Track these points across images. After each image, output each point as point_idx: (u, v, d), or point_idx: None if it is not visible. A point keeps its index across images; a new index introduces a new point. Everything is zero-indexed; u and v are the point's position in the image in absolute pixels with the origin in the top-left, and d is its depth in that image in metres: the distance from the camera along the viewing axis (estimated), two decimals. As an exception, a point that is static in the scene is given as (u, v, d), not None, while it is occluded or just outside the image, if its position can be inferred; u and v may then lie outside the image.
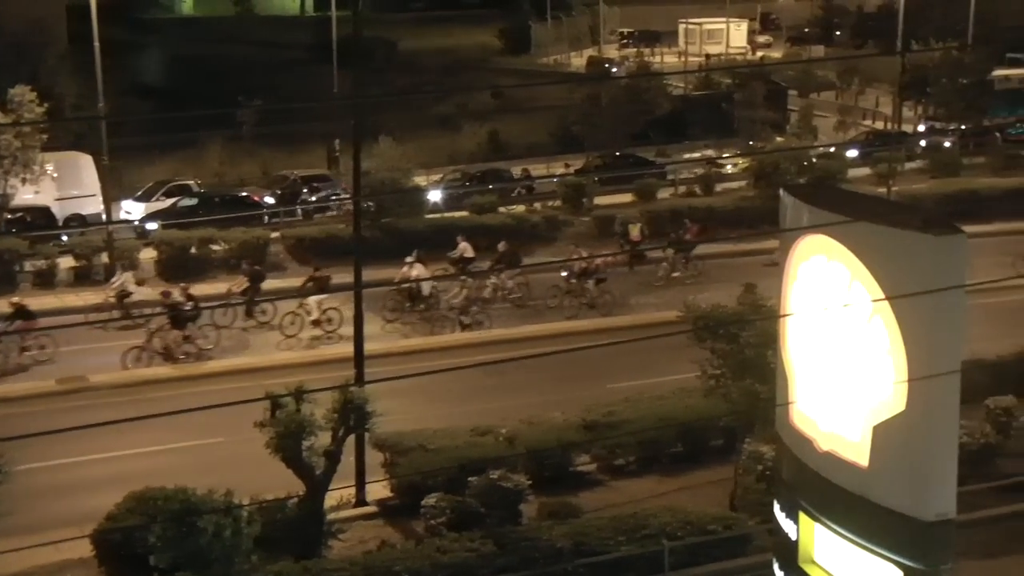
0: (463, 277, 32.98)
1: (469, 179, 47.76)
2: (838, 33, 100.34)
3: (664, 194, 47.14)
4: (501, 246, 34.70)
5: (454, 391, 25.51)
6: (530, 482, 20.33)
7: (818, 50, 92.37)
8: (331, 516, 18.96)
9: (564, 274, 33.98)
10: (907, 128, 60.78)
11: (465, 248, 34.53)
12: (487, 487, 19.74)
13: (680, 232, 38.30)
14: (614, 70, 71.03)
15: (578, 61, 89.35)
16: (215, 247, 37.26)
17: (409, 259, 32.51)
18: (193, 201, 42.65)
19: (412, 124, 53.68)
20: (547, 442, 21.95)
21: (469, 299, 32.83)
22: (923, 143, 55.81)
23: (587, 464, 22.95)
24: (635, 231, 38.45)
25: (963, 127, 56.62)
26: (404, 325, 32.26)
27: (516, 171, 50.35)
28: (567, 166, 50.17)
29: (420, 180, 46.05)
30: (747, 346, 20.56)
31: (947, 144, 54.83)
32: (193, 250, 36.82)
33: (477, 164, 51.35)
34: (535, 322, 32.70)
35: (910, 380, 12.10)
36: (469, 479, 20.05)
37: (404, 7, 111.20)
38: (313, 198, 44.83)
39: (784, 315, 14.38)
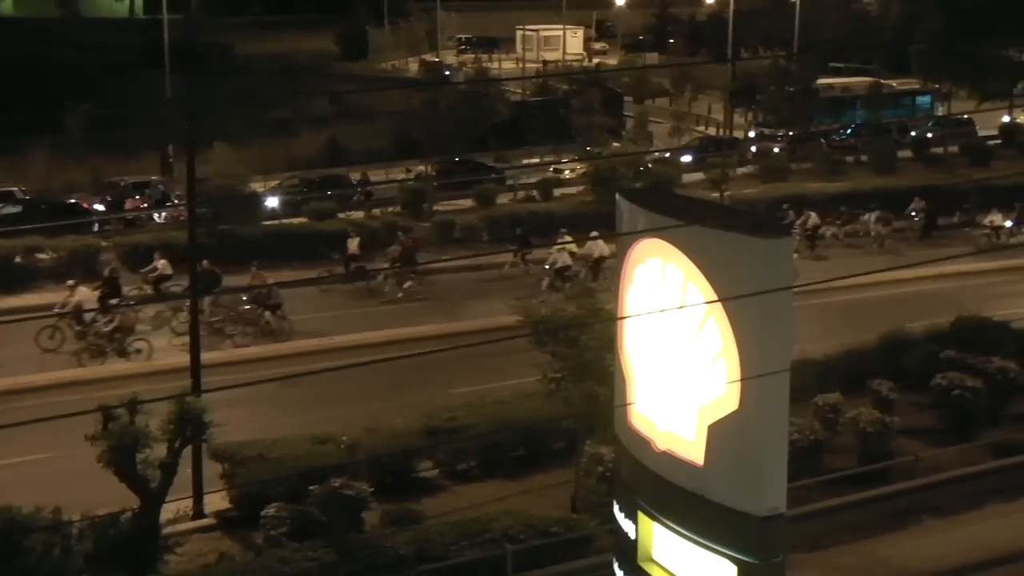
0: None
1: (308, 185, 47.25)
2: (671, 41, 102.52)
3: (504, 199, 47.44)
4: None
5: (295, 399, 25.17)
6: (372, 489, 20.18)
7: (652, 57, 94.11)
8: (167, 530, 18.44)
9: (244, 298, 31.91)
10: (738, 134, 62.38)
11: (164, 266, 32.85)
12: (328, 495, 19.53)
13: (393, 247, 36.47)
14: (447, 73, 71.21)
15: (417, 67, 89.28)
16: (42, 256, 36.02)
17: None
18: (17, 208, 41.19)
19: (248, 129, 52.77)
20: (389, 448, 21.82)
21: (121, 327, 29.76)
22: (753, 148, 57.34)
23: (429, 470, 22.90)
24: (354, 245, 36.66)
25: (791, 133, 58.38)
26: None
27: (356, 177, 50.02)
28: (408, 171, 50.08)
29: (257, 186, 45.37)
30: (586, 349, 20.80)
31: (776, 150, 56.47)
32: (18, 259, 35.53)
33: (316, 170, 50.81)
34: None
35: (743, 379, 12.39)
36: (310, 488, 19.82)
37: (238, 11, 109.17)
38: (141, 205, 43.73)
39: (621, 318, 14.58)
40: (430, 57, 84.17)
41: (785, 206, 42.38)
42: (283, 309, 31.85)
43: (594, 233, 35.36)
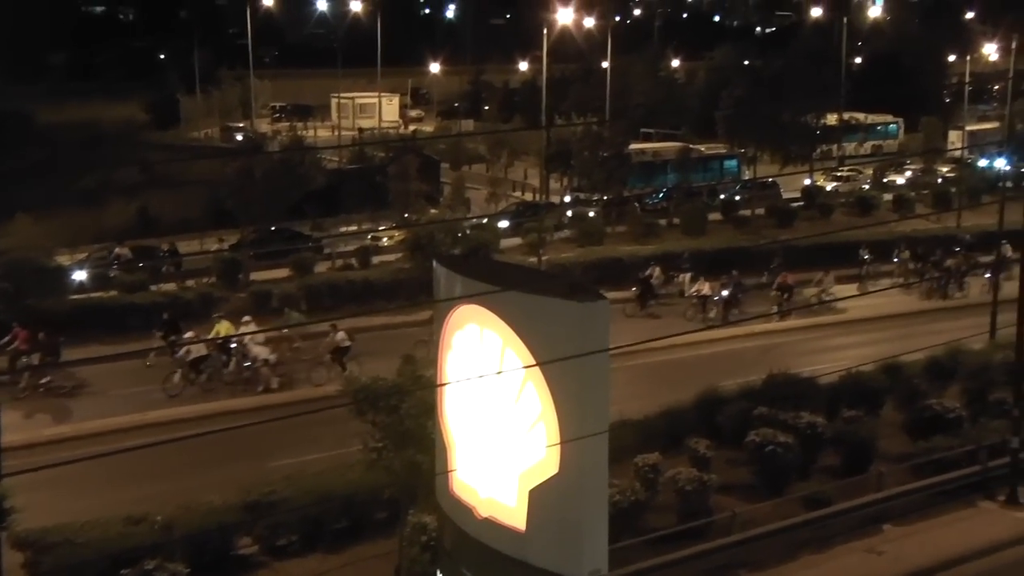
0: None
1: (117, 257, 45.85)
2: (486, 108, 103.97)
3: (321, 268, 46.97)
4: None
5: (105, 479, 24.18)
6: (188, 570, 19.49)
7: (468, 124, 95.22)
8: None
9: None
10: (554, 199, 63.31)
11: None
12: (142, 579, 18.76)
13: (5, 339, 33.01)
14: (238, 137, 70.63)
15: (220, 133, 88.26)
16: None
17: None
18: None
19: (52, 200, 51.07)
20: (205, 526, 21.12)
21: None
22: (569, 213, 58.25)
23: (249, 547, 22.24)
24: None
25: (605, 197, 59.56)
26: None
27: (166, 247, 48.89)
28: (221, 241, 49.13)
29: (63, 259, 43.83)
30: (407, 417, 20.56)
31: (591, 214, 57.49)
32: None
33: (126, 241, 49.43)
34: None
35: (562, 443, 12.43)
36: (122, 572, 19.00)
37: (36, 78, 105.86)
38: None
39: (441, 384, 14.51)
40: (234, 124, 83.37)
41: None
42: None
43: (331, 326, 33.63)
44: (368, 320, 37.30)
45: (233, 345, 33.08)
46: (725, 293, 41.16)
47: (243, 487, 22.65)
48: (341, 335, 33.25)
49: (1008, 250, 46.61)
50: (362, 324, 36.59)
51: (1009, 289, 38.66)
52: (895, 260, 47.82)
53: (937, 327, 37.47)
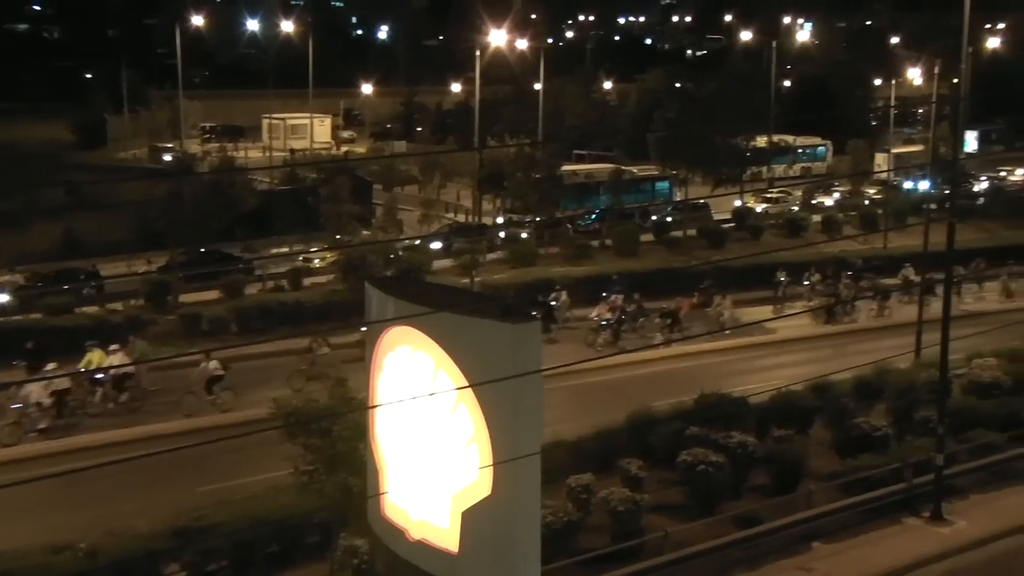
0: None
1: (42, 279, 45.15)
2: (419, 129, 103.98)
3: (252, 290, 46.60)
4: None
5: (25, 506, 23.70)
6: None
7: (400, 145, 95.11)
8: None
9: None
10: (487, 220, 63.40)
11: None
12: (67, 607, 18.41)
13: None
14: (167, 158, 69.99)
15: (147, 153, 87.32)
16: None
17: None
18: None
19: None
20: (133, 553, 20.76)
21: None
22: (502, 234, 58.35)
23: (177, 573, 21.90)
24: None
25: (538, 219, 59.75)
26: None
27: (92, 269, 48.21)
28: (149, 263, 48.55)
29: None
30: (339, 440, 20.47)
31: (524, 235, 57.64)
32: None
33: (51, 263, 48.69)
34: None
35: (495, 464, 12.41)
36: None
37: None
38: None
39: (373, 406, 14.43)
40: (163, 144, 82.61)
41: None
42: None
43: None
44: (247, 350, 35.63)
45: (100, 376, 32.10)
46: (609, 318, 40.27)
47: (172, 512, 22.36)
48: (214, 364, 32.34)
49: (911, 272, 47.42)
50: (239, 354, 34.99)
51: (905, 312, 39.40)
52: (805, 283, 47.68)
53: (866, 347, 37.99)
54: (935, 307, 33.49)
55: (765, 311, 44.71)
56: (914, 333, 36.59)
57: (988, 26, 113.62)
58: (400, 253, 47.37)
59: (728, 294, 43.86)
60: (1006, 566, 23.89)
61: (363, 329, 17.04)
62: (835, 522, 24.62)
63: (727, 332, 40.28)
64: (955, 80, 55.49)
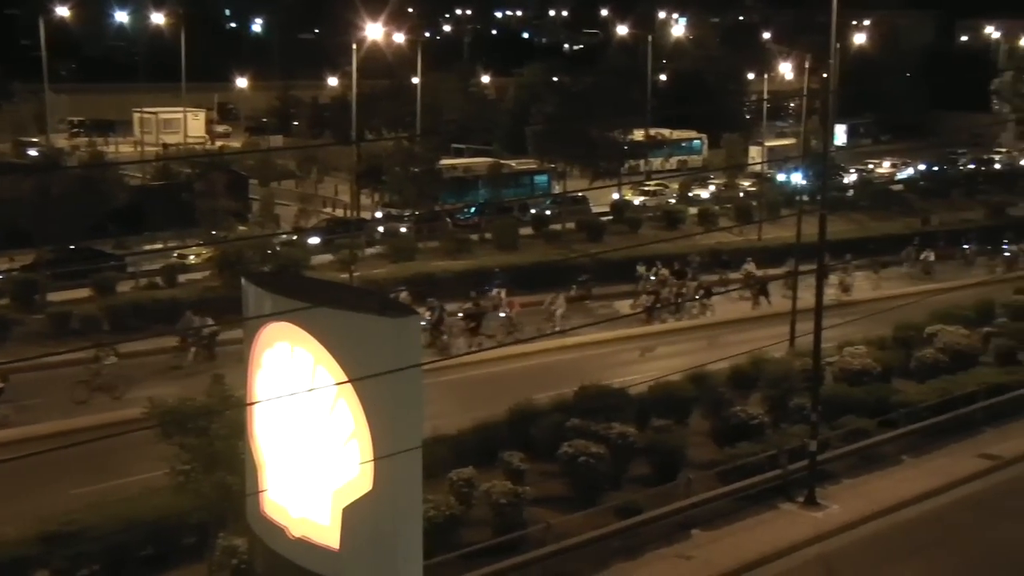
0: None
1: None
2: (295, 123, 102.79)
3: (125, 287, 45.55)
4: None
5: None
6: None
7: (277, 139, 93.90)
8: None
9: None
10: (365, 215, 62.98)
11: None
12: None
13: None
14: (32, 153, 67.94)
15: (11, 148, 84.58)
16: None
17: None
18: None
19: None
20: None
21: None
22: (381, 229, 58.05)
23: (47, 579, 21.30)
24: None
25: (416, 213, 59.56)
26: None
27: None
28: (12, 260, 47.00)
29: None
30: (216, 438, 20.18)
31: (403, 230, 57.41)
32: None
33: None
34: None
35: (376, 459, 12.31)
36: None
37: None
38: None
39: (251, 404, 14.20)
40: (28, 139, 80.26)
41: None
42: None
43: None
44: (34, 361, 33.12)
45: None
46: (429, 317, 37.96)
47: (40, 517, 21.69)
48: None
49: (752, 268, 48.13)
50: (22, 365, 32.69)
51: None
52: (651, 278, 46.55)
53: (744, 336, 38.67)
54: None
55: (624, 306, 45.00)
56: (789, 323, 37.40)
57: (855, 23, 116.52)
58: (277, 248, 46.78)
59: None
60: (875, 547, 24.54)
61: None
62: (713, 510, 25.03)
63: (561, 332, 39.05)
64: (824, 75, 56.70)
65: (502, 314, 40.44)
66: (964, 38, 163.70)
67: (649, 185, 74.74)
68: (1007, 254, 57.75)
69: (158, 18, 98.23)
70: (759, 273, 47.88)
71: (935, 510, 26.47)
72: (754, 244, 56.07)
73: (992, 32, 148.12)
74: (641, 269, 47.07)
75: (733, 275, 49.44)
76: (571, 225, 61.21)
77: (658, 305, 44.49)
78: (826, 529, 24.86)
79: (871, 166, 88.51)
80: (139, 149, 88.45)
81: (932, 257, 53.91)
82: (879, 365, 32.96)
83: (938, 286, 47.65)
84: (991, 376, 33.22)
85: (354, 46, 60.61)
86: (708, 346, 40.28)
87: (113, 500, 22.78)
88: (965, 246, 58.48)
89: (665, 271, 47.00)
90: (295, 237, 52.06)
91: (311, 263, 48.33)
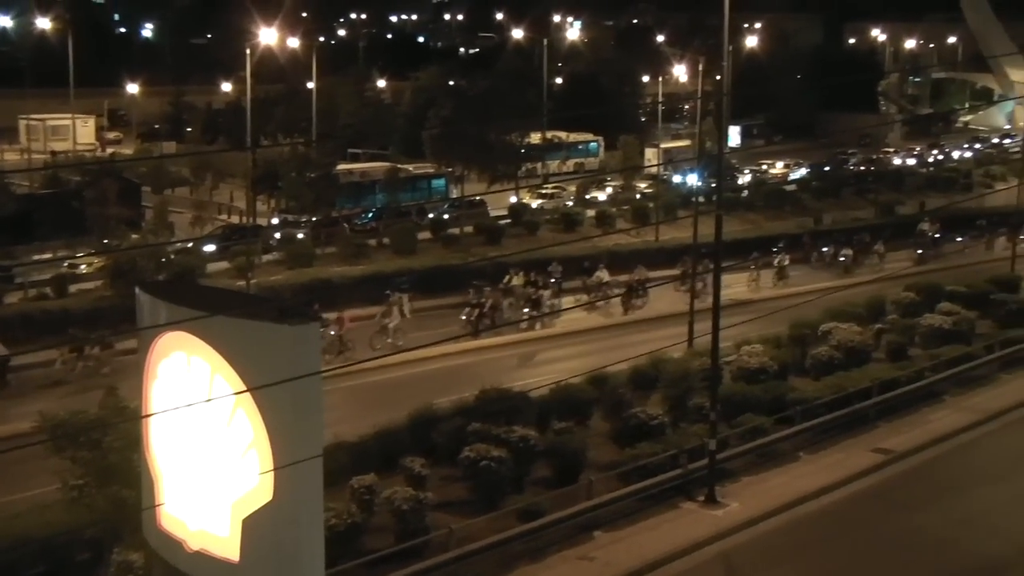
0: None
1: None
2: (189, 129, 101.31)
3: (13, 299, 44.43)
4: None
5: None
6: None
7: (170, 146, 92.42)
8: None
9: None
10: (262, 221, 62.31)
11: None
12: None
13: None
14: None
15: None
16: None
17: None
18: None
19: None
20: None
21: None
22: (277, 235, 57.47)
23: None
24: None
25: (313, 219, 59.09)
26: None
27: None
28: None
29: None
30: (111, 451, 19.75)
31: (300, 235, 56.90)
32: None
33: None
34: None
35: (276, 469, 12.16)
36: None
37: None
38: None
39: (146, 416, 13.93)
40: None
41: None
42: None
43: None
44: None
45: None
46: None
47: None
48: None
49: (605, 274, 47.64)
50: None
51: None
52: (502, 286, 45.11)
53: (640, 337, 39.00)
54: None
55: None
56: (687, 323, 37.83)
57: (746, 25, 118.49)
58: (172, 256, 46.05)
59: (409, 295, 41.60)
60: (774, 543, 24.91)
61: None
62: (615, 511, 25.17)
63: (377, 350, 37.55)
64: (718, 77, 57.55)
65: (332, 332, 37.41)
66: (852, 40, 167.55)
67: (547, 188, 75.09)
68: (842, 258, 56.67)
69: (44, 23, 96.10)
70: (608, 279, 47.44)
71: (831, 504, 26.95)
72: (651, 245, 56.62)
73: (878, 34, 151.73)
74: (512, 276, 45.41)
75: (589, 281, 48.32)
76: (469, 229, 61.23)
77: (484, 320, 41.98)
78: (726, 527, 25.16)
79: (765, 167, 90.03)
80: (26, 157, 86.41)
81: (787, 261, 53.92)
82: (776, 363, 33.46)
83: (829, 285, 48.58)
84: (883, 372, 33.93)
85: (247, 51, 59.90)
86: (609, 347, 40.53)
87: (0, 518, 22.16)
88: (824, 249, 57.73)
89: (518, 278, 45.42)
90: (190, 245, 51.27)
91: (207, 271, 47.67)
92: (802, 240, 58.27)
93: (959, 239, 61.83)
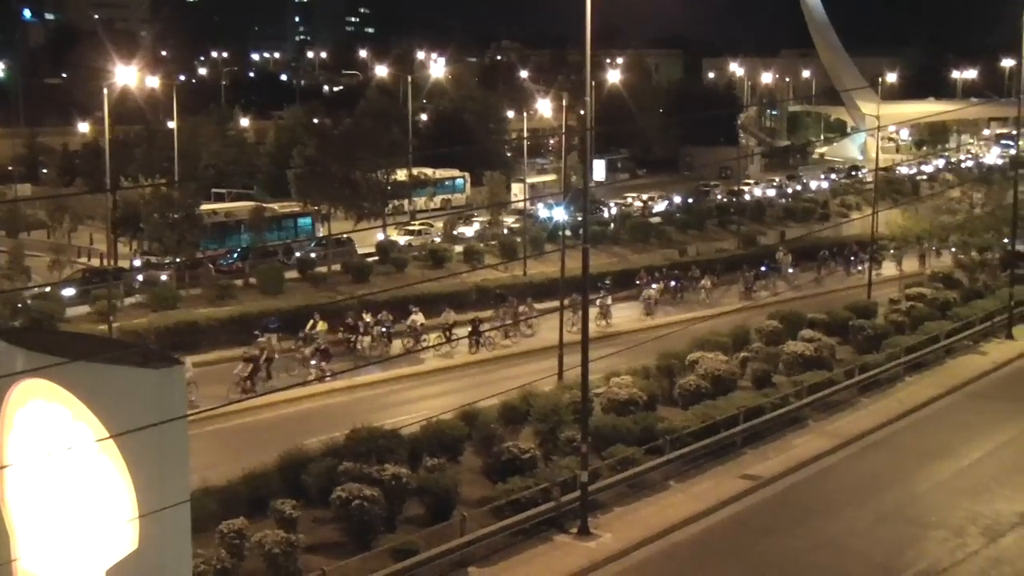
0: None
1: None
2: (45, 171, 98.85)
3: None
4: None
5: None
6: None
7: (25, 188, 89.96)
8: None
9: None
10: (124, 263, 60.99)
11: None
12: None
13: None
14: None
15: None
16: None
17: None
18: None
19: None
20: None
21: None
22: (140, 277, 56.31)
23: None
24: None
25: (177, 260, 58.07)
26: None
27: None
28: None
29: None
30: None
31: (163, 278, 55.84)
32: None
33: None
34: None
35: (141, 517, 11.90)
36: None
37: None
38: None
39: (1, 467, 13.49)
40: None
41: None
42: None
43: None
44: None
45: None
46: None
47: None
48: None
49: (420, 317, 45.78)
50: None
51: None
52: (302, 333, 42.94)
53: (510, 372, 39.17)
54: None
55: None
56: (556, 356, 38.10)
57: (608, 61, 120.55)
58: (29, 302, 44.77)
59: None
60: (646, 573, 25.15)
61: None
62: (489, 546, 25.15)
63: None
64: (582, 112, 58.30)
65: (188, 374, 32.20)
66: (711, 75, 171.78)
67: (414, 224, 75.06)
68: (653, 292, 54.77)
69: None
70: (424, 322, 45.86)
71: (702, 532, 27.33)
72: (518, 280, 56.95)
73: (736, 69, 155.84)
74: (315, 321, 42.87)
75: (408, 324, 46.36)
76: (337, 267, 60.84)
77: (258, 375, 38.66)
78: (599, 558, 25.32)
79: (630, 200, 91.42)
80: None
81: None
82: (644, 394, 33.86)
83: (696, 315, 49.46)
84: (749, 399, 34.59)
85: (104, 90, 58.80)
86: (480, 383, 40.58)
87: None
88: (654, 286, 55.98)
89: (322, 324, 42.98)
90: (48, 289, 49.92)
91: (66, 316, 46.45)
92: (637, 276, 57.75)
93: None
